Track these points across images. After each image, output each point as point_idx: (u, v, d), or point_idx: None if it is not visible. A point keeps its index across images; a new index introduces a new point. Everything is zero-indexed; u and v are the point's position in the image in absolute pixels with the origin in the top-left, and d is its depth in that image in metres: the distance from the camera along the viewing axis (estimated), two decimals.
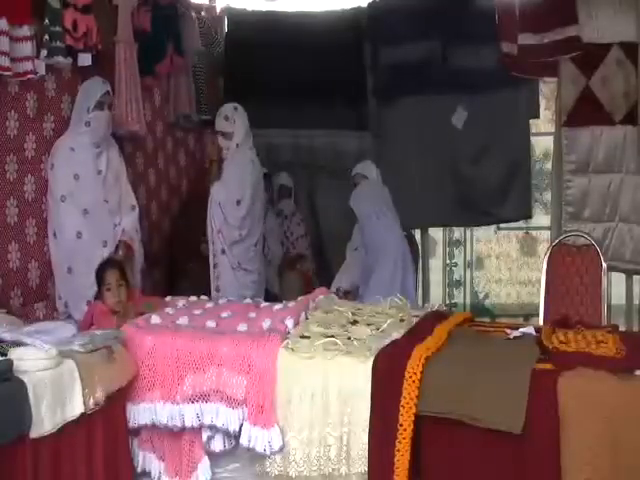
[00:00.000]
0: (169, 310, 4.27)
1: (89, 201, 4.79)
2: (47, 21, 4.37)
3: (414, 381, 3.42)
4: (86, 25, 4.60)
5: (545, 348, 3.62)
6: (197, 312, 4.23)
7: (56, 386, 3.22)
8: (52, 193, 4.71)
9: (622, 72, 6.21)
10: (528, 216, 7.28)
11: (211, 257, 5.46)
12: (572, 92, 6.34)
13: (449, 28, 6.76)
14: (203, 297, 4.67)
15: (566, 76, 6.36)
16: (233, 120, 5.51)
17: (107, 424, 3.58)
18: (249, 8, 7.39)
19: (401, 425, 3.39)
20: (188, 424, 3.71)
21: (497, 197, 6.92)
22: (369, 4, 7.10)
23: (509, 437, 3.30)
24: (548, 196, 7.13)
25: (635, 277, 6.70)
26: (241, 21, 7.34)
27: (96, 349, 3.56)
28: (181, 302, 4.50)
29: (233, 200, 5.39)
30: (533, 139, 7.13)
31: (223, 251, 5.42)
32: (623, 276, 6.62)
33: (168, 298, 4.63)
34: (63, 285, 4.71)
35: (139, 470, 3.86)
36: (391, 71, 6.86)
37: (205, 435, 3.75)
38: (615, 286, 6.43)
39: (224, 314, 4.17)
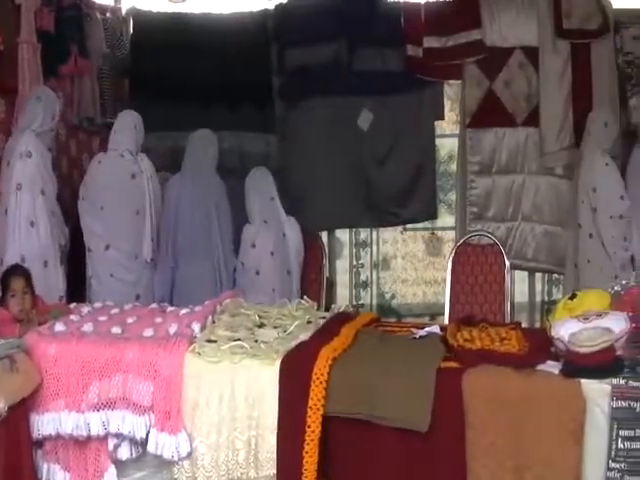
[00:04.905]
0: (74, 317, 4.18)
1: None
2: None
3: (321, 382, 3.43)
4: None
5: (450, 346, 3.68)
6: (102, 318, 4.16)
7: None
8: None
9: (524, 75, 6.38)
10: (433, 217, 7.33)
11: None
12: (476, 94, 6.48)
13: (355, 30, 6.79)
14: (108, 303, 4.61)
15: (470, 78, 6.49)
16: None
17: (9, 436, 3.50)
18: (155, 10, 7.29)
19: (309, 427, 3.40)
20: (94, 433, 3.64)
21: (403, 198, 6.97)
22: (276, 6, 7.09)
23: (416, 435, 3.34)
24: (453, 197, 7.24)
25: (537, 275, 6.88)
26: (147, 23, 7.21)
27: None
28: (86, 309, 4.42)
29: None
30: (438, 140, 7.18)
31: None
32: (526, 274, 6.78)
33: (73, 305, 4.55)
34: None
35: None
36: (297, 73, 6.86)
37: (111, 443, 3.68)
38: (518, 284, 6.59)
39: (130, 320, 4.11)
